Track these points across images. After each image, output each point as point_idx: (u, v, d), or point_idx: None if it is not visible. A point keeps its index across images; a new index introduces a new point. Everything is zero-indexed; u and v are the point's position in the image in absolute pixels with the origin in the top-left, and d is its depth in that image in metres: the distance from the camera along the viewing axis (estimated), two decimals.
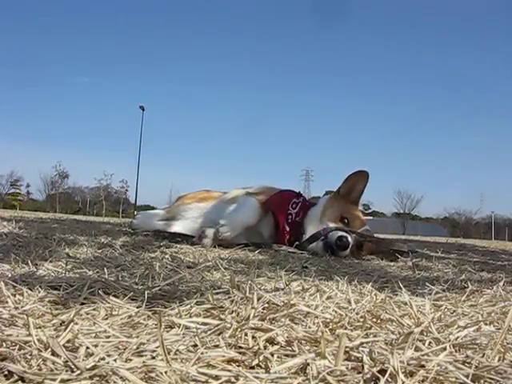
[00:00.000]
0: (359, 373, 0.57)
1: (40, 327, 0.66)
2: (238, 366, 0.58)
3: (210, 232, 2.30)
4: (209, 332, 0.68)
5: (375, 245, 2.39)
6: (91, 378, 0.52)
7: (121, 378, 0.52)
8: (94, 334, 0.65)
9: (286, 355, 0.62)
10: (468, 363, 0.61)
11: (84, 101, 70.75)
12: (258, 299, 0.81)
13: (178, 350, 0.61)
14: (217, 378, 0.54)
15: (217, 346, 0.63)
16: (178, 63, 72.14)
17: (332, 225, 2.29)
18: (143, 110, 34.67)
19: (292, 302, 0.80)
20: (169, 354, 0.58)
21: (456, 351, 0.66)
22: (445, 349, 0.65)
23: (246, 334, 0.66)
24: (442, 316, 0.84)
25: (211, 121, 74.74)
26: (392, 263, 2.10)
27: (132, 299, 0.86)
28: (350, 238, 2.19)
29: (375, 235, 2.55)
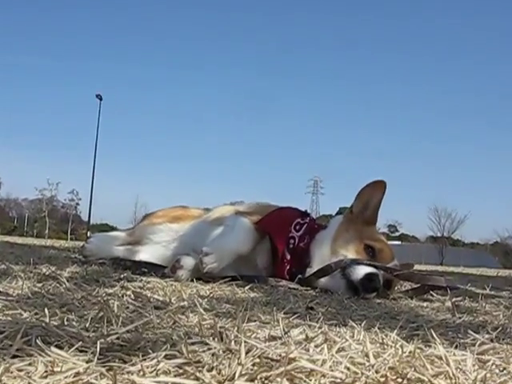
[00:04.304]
0: None
1: None
2: None
3: (187, 261, 2.29)
4: None
5: (405, 280, 2.38)
6: None
7: None
8: None
9: None
10: None
11: (25, 84, 70.89)
12: (247, 352, 0.81)
13: None
14: None
15: None
16: (139, 42, 72.27)
17: (350, 255, 2.27)
18: (101, 99, 34.92)
19: (291, 356, 0.80)
20: None
21: None
22: None
23: None
24: (489, 375, 0.84)
25: (192, 117, 74.95)
26: (425, 303, 2.10)
27: (80, 351, 0.85)
28: (380, 277, 2.16)
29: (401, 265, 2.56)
